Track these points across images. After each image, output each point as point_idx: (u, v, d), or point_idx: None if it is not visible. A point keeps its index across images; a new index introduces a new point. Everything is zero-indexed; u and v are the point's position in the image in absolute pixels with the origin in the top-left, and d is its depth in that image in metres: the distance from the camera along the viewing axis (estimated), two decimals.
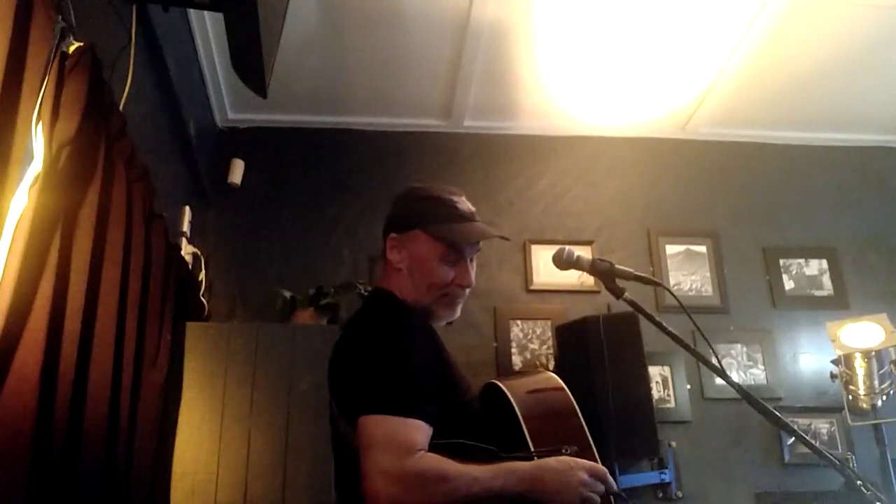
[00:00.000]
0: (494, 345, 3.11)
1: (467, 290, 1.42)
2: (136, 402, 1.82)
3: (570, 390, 1.41)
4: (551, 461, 1.20)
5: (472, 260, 1.43)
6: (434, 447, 1.14)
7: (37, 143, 1.27)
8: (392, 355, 1.22)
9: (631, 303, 1.40)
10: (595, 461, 1.25)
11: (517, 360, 3.09)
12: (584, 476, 1.18)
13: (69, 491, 1.35)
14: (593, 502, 1.18)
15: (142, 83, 2.07)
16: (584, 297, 3.16)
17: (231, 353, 2.30)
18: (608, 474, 1.22)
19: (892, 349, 2.69)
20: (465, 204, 1.44)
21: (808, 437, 1.31)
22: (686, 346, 1.35)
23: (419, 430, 1.13)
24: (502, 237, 1.45)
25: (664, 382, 3.07)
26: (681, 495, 2.85)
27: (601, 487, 1.20)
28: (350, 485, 1.18)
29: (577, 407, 1.37)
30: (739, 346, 3.20)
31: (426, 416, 1.15)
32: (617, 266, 1.41)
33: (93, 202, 1.49)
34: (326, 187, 3.34)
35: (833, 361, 2.82)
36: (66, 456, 1.34)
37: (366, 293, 2.87)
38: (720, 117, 3.45)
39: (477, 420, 1.32)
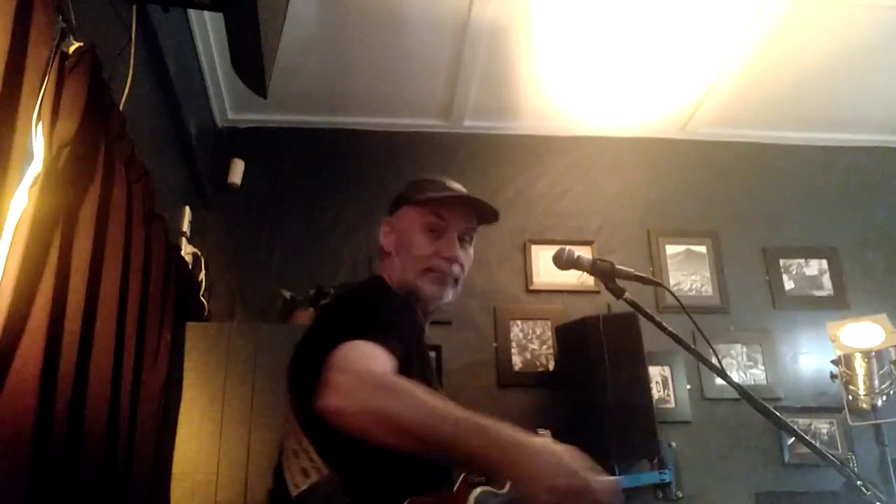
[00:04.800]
0: (494, 345, 3.10)
1: (456, 268, 1.37)
2: (136, 402, 1.82)
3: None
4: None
5: (467, 240, 1.40)
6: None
7: (37, 143, 1.27)
8: (365, 310, 1.20)
9: (631, 303, 1.40)
10: None
11: (517, 360, 3.09)
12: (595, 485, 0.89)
13: (69, 491, 1.35)
14: None
15: (142, 83, 2.06)
16: (584, 297, 3.16)
17: (231, 353, 2.29)
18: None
19: (892, 349, 2.68)
20: (456, 184, 1.43)
21: (808, 437, 1.31)
22: (686, 346, 1.35)
23: (390, 357, 1.05)
24: (481, 201, 1.38)
25: (664, 382, 3.07)
26: (681, 495, 2.85)
27: None
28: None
29: None
30: (739, 346, 3.20)
31: (395, 350, 1.07)
32: (617, 266, 1.41)
33: (93, 202, 1.49)
34: (326, 187, 3.33)
35: (833, 361, 2.82)
36: (66, 456, 1.34)
37: None
38: (720, 117, 3.45)
39: None
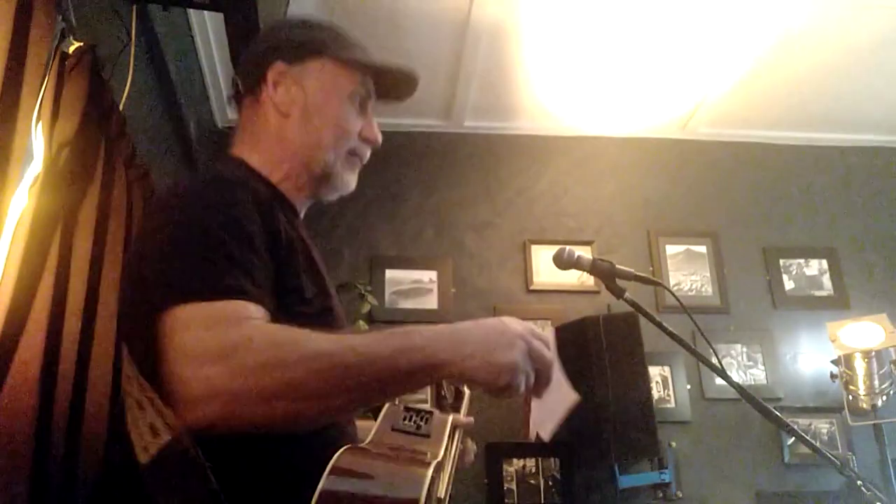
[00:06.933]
0: None
1: (368, 154, 1.19)
2: None
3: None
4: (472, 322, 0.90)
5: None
6: None
7: (37, 143, 1.27)
8: (192, 226, 0.84)
9: (631, 303, 1.40)
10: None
11: None
12: (532, 341, 0.90)
13: (70, 490, 1.35)
14: (527, 379, 0.88)
15: (142, 83, 2.07)
16: (584, 297, 3.16)
17: None
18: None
19: (892, 349, 2.68)
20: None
21: (808, 437, 1.31)
22: (686, 346, 1.35)
23: (247, 309, 0.78)
24: (416, 78, 1.23)
25: (664, 382, 3.07)
26: (681, 495, 2.85)
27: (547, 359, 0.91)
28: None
29: None
30: (739, 346, 3.20)
31: (254, 298, 0.79)
32: (617, 266, 1.42)
33: (93, 202, 1.49)
34: None
35: (833, 361, 2.82)
36: (67, 455, 1.34)
37: (366, 293, 2.86)
38: (720, 117, 3.45)
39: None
